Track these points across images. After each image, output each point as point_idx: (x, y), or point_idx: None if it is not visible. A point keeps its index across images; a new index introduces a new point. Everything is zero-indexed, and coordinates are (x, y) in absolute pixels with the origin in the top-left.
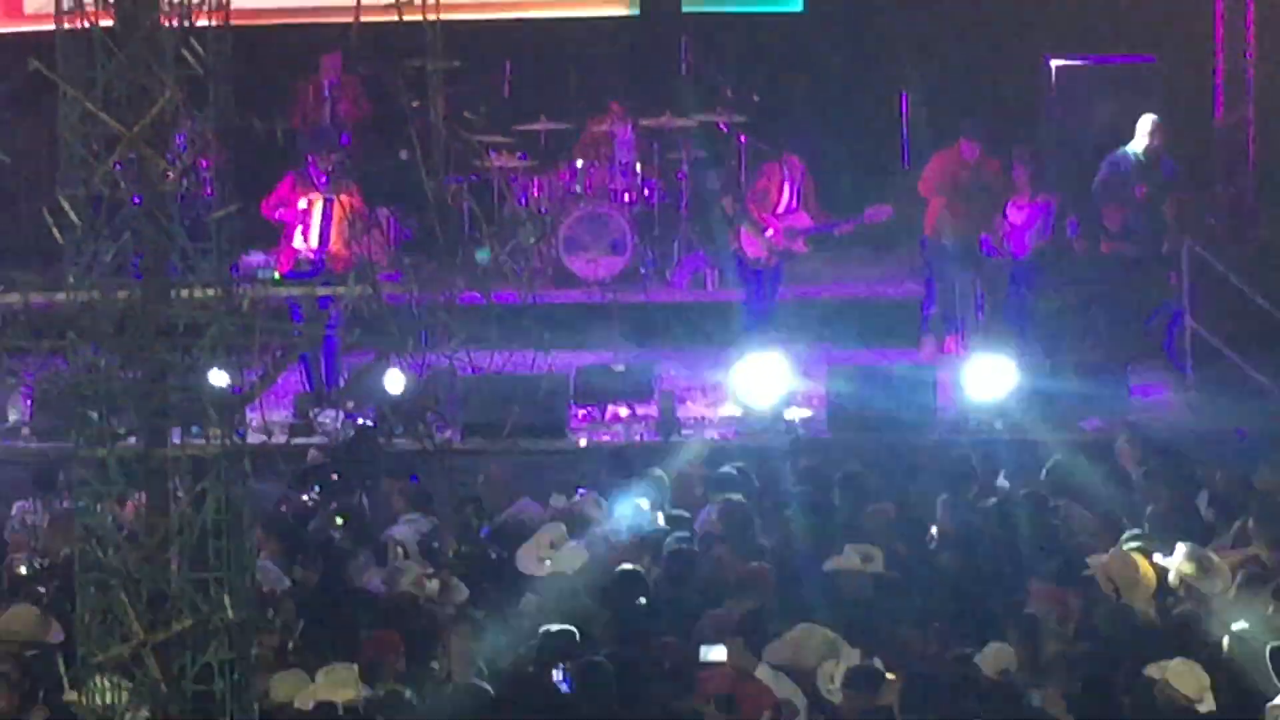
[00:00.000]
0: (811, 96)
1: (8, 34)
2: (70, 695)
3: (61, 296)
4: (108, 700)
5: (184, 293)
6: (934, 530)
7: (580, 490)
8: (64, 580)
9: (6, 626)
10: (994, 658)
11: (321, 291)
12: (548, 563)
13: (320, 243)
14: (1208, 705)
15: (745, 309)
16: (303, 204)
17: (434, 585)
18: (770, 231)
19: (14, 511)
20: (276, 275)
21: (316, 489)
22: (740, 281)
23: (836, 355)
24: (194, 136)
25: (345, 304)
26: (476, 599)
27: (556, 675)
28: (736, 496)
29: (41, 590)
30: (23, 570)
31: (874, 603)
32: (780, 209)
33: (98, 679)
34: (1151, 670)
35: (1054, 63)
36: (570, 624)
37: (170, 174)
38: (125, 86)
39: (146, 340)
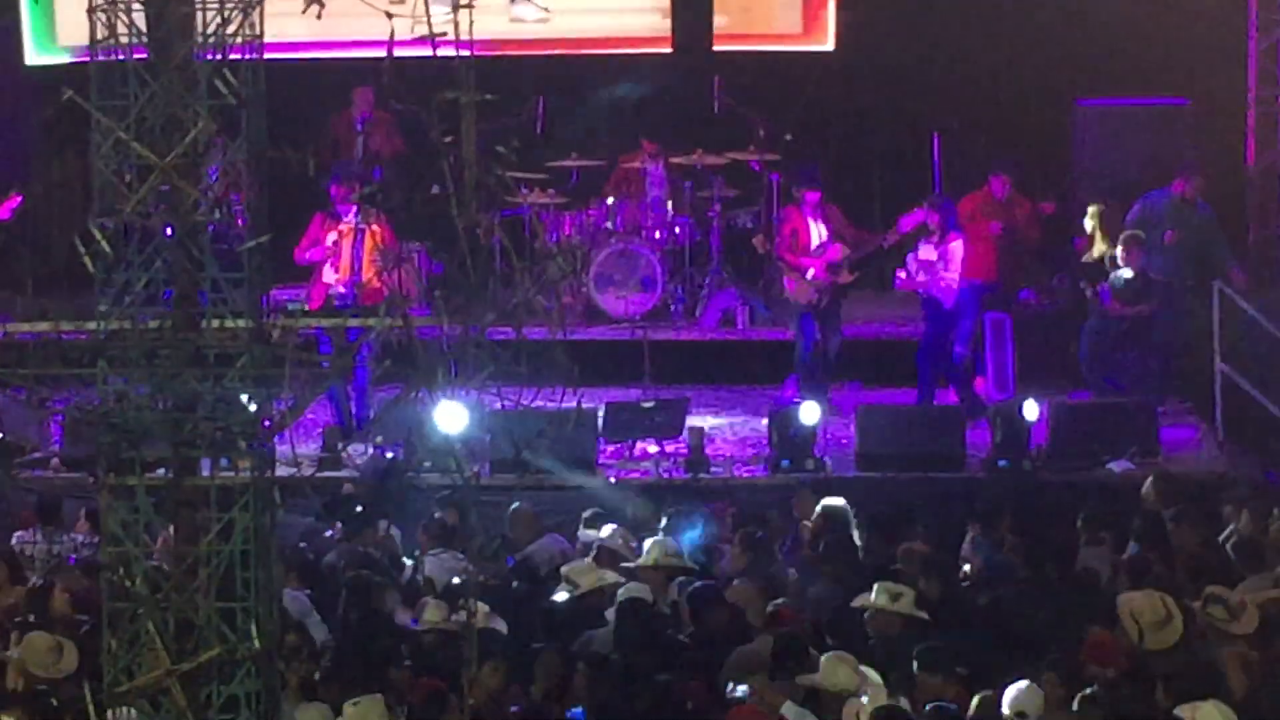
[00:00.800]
0: (843, 136)
1: (43, 65)
2: None
3: (93, 325)
4: None
5: (214, 323)
6: (965, 569)
7: (612, 525)
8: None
9: (21, 653)
10: (1021, 698)
11: (351, 323)
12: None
13: (352, 273)
14: None
15: (802, 356)
16: (331, 238)
17: (461, 619)
18: (811, 272)
19: (14, 542)
20: (305, 308)
21: (340, 523)
22: (797, 329)
23: (865, 395)
24: (226, 167)
25: (375, 336)
26: (503, 634)
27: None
28: (761, 534)
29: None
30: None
31: (902, 641)
32: (815, 247)
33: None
34: (1183, 711)
35: (1084, 104)
36: (594, 659)
37: (202, 204)
38: (158, 117)
39: (177, 370)
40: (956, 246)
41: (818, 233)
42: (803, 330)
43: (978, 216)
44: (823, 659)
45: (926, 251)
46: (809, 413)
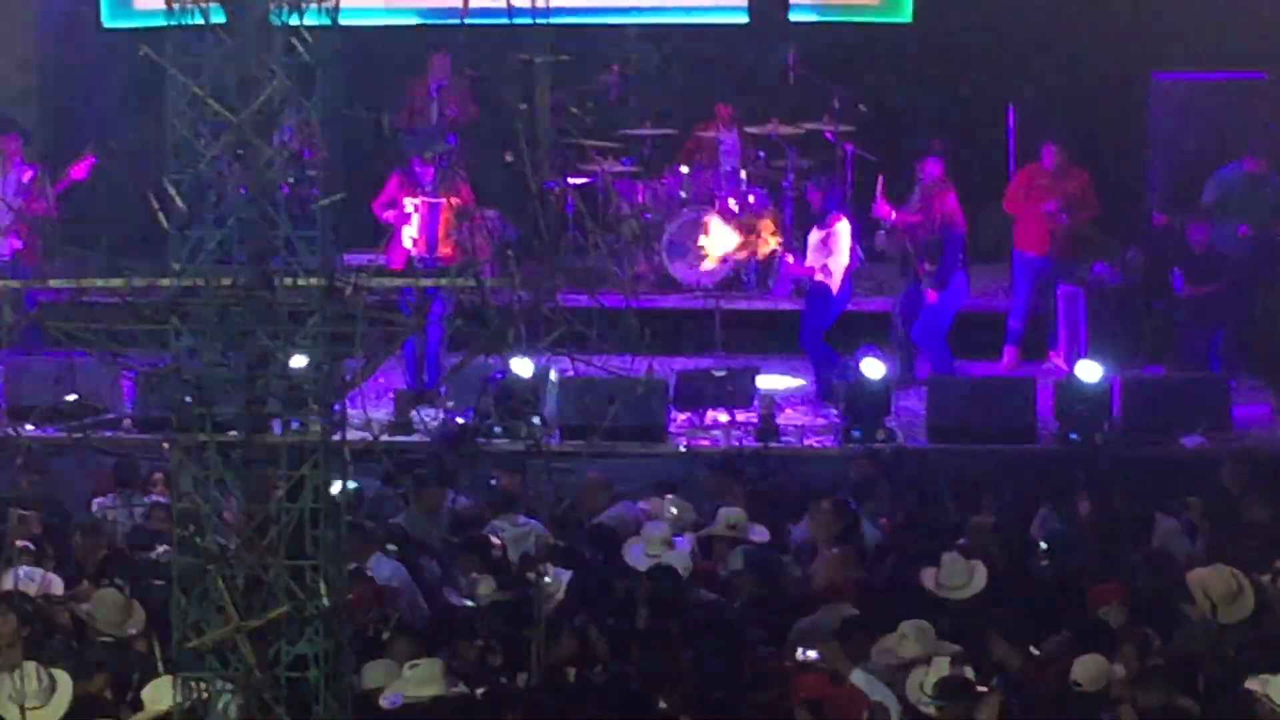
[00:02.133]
0: (918, 108)
1: (121, 28)
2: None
3: (166, 282)
4: (202, 686)
5: (287, 280)
6: (1037, 541)
7: (667, 495)
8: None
9: (90, 611)
10: (1089, 670)
11: (424, 283)
12: (655, 562)
13: (429, 248)
14: None
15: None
16: (409, 206)
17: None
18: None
19: (95, 508)
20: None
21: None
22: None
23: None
24: (301, 125)
25: (448, 297)
26: (577, 600)
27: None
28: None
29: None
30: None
31: (971, 612)
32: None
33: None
34: (1252, 684)
35: (1160, 78)
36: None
37: (276, 162)
38: (234, 74)
39: (249, 327)
40: (841, 228)
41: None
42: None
43: (1031, 191)
44: (900, 627)
45: (813, 236)
46: (872, 370)
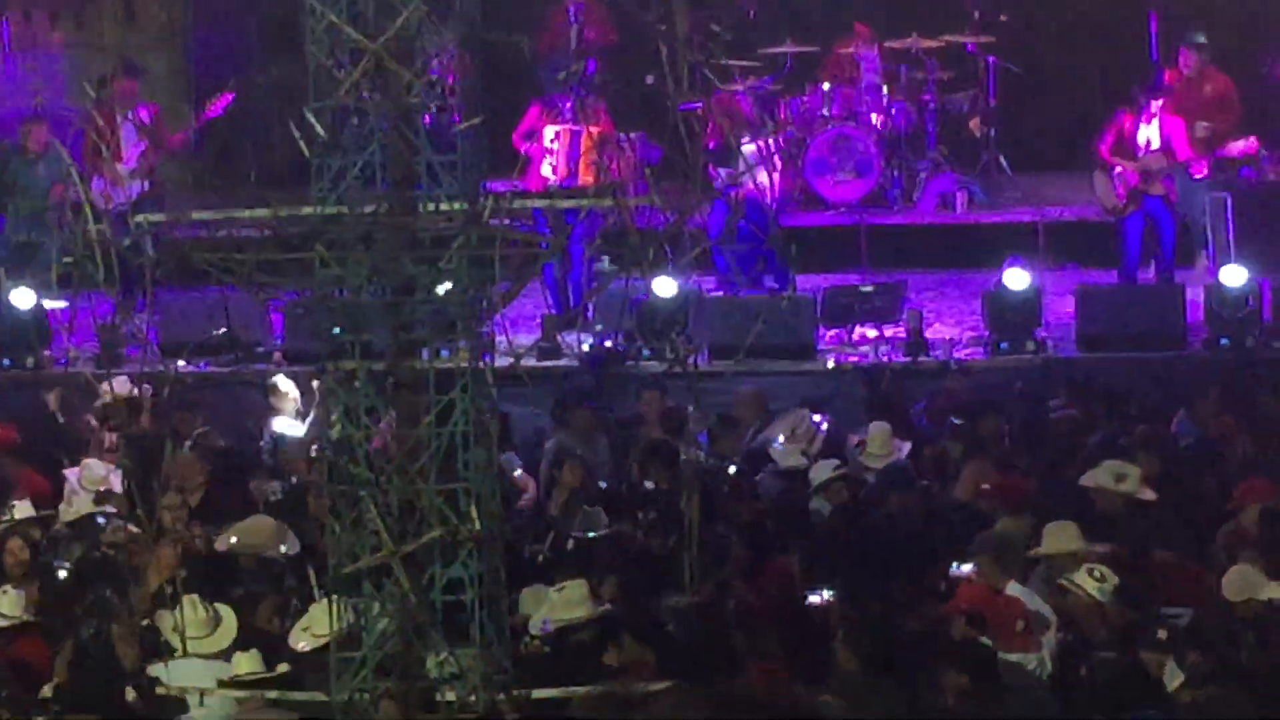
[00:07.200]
0: (1059, 18)
1: None
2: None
3: (310, 211)
4: (359, 610)
5: (429, 206)
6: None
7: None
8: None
9: (244, 538)
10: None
11: (564, 204)
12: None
13: (569, 175)
14: None
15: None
16: (549, 135)
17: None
18: (1118, 169)
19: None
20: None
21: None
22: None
23: (1084, 275)
24: (439, 51)
25: (589, 220)
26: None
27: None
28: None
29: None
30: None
31: (1126, 521)
32: (1143, 152)
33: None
34: None
35: None
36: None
37: (416, 87)
38: (370, 1)
39: (393, 253)
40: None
41: (1147, 138)
42: (1124, 234)
43: (1177, 97)
44: (1045, 528)
45: (748, 148)
46: (1017, 280)
